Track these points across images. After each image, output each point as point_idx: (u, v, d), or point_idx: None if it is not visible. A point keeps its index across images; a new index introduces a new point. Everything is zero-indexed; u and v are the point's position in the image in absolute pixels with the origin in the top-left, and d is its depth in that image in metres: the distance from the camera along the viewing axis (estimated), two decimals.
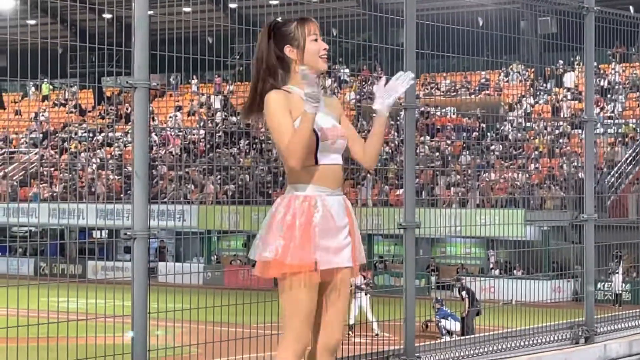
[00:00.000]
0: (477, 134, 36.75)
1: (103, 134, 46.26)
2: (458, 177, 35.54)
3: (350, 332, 21.42)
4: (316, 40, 4.90)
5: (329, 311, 4.90)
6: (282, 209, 4.81)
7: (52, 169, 45.51)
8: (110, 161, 43.11)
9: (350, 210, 4.95)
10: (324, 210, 4.79)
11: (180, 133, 42.43)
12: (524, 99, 41.21)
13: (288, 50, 4.89)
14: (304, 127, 4.69)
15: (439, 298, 24.96)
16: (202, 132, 44.02)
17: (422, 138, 36.04)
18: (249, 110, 4.97)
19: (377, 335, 20.67)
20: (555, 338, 8.66)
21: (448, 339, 14.96)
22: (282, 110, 4.78)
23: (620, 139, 36.54)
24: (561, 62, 41.55)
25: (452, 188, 34.71)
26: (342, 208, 4.89)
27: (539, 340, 8.52)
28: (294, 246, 4.73)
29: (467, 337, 8.83)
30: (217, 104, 47.45)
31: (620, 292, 29.26)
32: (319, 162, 4.83)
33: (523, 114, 38.87)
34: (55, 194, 41.19)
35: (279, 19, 5.01)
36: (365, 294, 24.14)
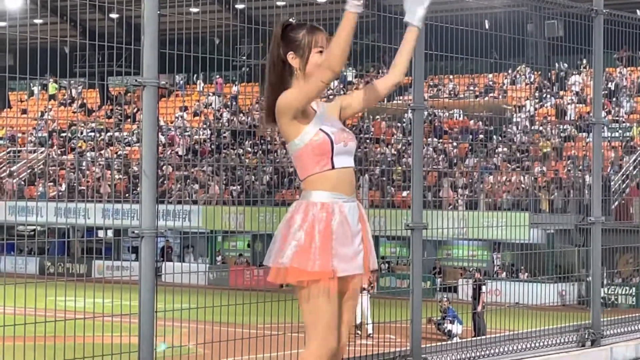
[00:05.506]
0: (482, 136, 36.68)
1: (109, 134, 46.29)
2: (464, 179, 35.50)
3: (358, 332, 21.44)
4: (321, 52, 4.81)
5: (342, 318, 4.88)
6: (299, 216, 4.76)
7: (58, 168, 45.56)
8: (116, 160, 43.13)
9: (364, 216, 4.93)
10: (341, 217, 4.78)
11: (186, 133, 42.44)
12: (528, 101, 41.13)
13: (291, 57, 4.82)
14: (347, 25, 4.60)
15: (445, 296, 24.86)
16: (207, 132, 44.03)
17: (428, 140, 35.98)
18: (268, 119, 4.89)
19: (370, 335, 20.63)
20: (562, 340, 8.65)
21: (458, 340, 14.93)
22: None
23: (626, 142, 36.48)
24: (565, 65, 41.46)
25: (458, 190, 34.66)
26: (357, 214, 4.87)
27: (546, 343, 8.51)
28: (314, 253, 4.69)
29: (473, 338, 8.83)
30: (217, 105, 47.47)
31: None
32: (335, 166, 4.80)
33: (528, 117, 38.79)
34: (61, 193, 41.23)
35: (292, 20, 4.93)
36: (367, 294, 24.11)
